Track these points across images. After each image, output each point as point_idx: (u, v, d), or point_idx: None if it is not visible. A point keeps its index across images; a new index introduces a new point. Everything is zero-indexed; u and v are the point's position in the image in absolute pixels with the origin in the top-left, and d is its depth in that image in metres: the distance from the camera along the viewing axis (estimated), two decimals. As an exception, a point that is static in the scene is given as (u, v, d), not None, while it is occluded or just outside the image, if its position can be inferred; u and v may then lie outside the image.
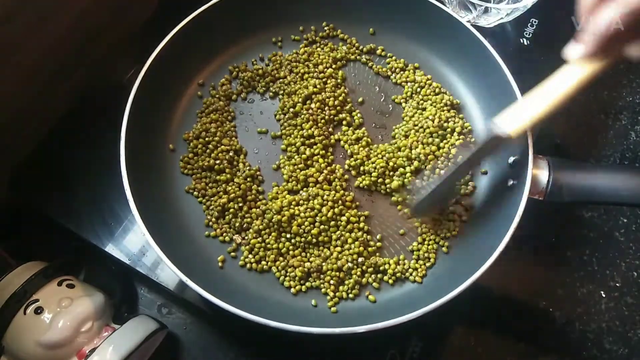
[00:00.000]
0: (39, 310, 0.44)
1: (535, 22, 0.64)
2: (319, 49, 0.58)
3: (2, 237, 0.53)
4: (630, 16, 0.34)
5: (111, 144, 0.46)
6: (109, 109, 0.50)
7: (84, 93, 0.57)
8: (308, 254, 0.48)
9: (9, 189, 0.54)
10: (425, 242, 0.49)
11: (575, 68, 0.39)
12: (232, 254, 0.48)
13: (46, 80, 0.52)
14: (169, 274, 0.50)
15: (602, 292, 0.55)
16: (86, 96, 0.57)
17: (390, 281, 0.48)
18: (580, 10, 0.37)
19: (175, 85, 0.55)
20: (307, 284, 0.47)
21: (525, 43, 0.63)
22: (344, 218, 0.49)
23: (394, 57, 0.58)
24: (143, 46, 0.52)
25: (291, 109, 0.54)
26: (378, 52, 0.59)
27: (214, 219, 0.49)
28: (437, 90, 0.56)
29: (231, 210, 0.49)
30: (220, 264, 0.48)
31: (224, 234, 0.49)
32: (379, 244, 0.49)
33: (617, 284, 0.56)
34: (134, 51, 0.59)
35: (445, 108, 0.55)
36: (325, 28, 0.60)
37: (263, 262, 0.48)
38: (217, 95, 0.55)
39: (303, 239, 0.48)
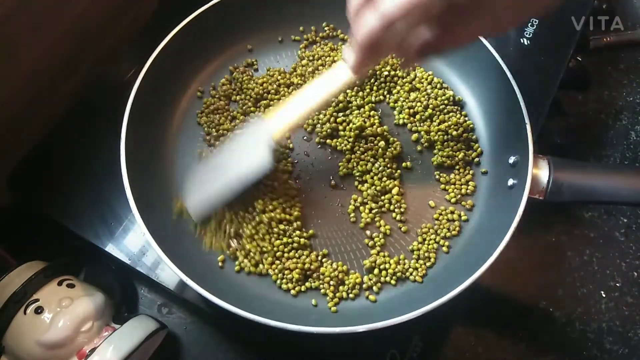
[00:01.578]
0: (39, 310, 0.44)
1: (535, 22, 0.64)
2: (319, 48, 0.58)
3: (2, 237, 0.53)
4: (388, 26, 0.31)
5: (111, 143, 0.46)
6: (109, 109, 0.50)
7: (84, 93, 0.57)
8: (304, 255, 0.48)
9: (9, 188, 0.54)
10: (426, 242, 0.49)
11: (345, 71, 0.40)
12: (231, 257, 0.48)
13: (46, 80, 0.52)
14: (169, 273, 0.50)
15: (602, 292, 0.55)
16: (86, 96, 0.57)
17: (392, 281, 0.48)
18: (348, 12, 0.35)
19: (175, 86, 0.55)
20: (307, 284, 0.47)
21: (526, 43, 0.63)
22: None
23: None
24: (143, 46, 0.52)
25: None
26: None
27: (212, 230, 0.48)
28: (438, 85, 0.56)
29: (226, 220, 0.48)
30: (220, 263, 0.48)
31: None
32: (380, 241, 0.49)
33: (618, 284, 0.56)
34: (134, 51, 0.59)
35: (446, 101, 0.55)
36: (326, 28, 0.60)
37: (260, 266, 0.48)
38: (217, 96, 0.55)
39: (296, 241, 0.48)
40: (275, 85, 0.55)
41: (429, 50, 0.35)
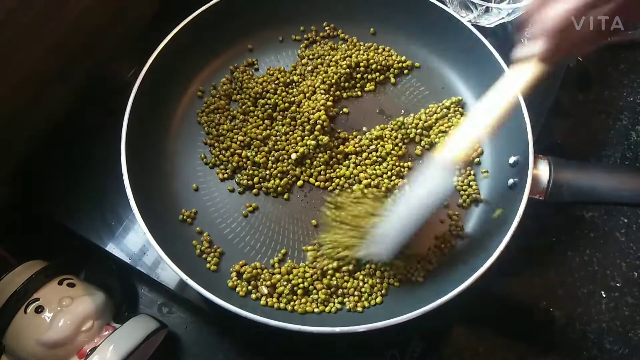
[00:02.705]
0: (39, 310, 0.44)
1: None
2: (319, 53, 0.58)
3: (2, 236, 0.53)
4: (580, 10, 0.33)
5: (112, 143, 0.46)
6: (110, 108, 0.50)
7: (85, 93, 0.57)
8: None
9: (10, 188, 0.54)
10: (430, 248, 0.49)
11: (522, 71, 0.39)
12: (253, 296, 0.47)
13: (47, 80, 0.52)
14: (170, 273, 0.50)
15: (602, 292, 0.55)
16: (87, 96, 0.57)
17: (396, 284, 0.48)
18: (530, 8, 0.36)
19: (175, 85, 0.55)
20: (310, 297, 0.47)
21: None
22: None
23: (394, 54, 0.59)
24: (144, 46, 0.52)
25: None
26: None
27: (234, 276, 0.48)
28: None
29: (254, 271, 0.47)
30: (214, 267, 0.48)
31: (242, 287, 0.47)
32: None
33: (618, 284, 0.56)
34: (135, 51, 0.59)
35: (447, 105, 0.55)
36: (326, 28, 0.60)
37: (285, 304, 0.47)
38: (217, 95, 0.55)
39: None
40: (274, 85, 0.55)
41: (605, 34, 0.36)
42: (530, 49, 0.39)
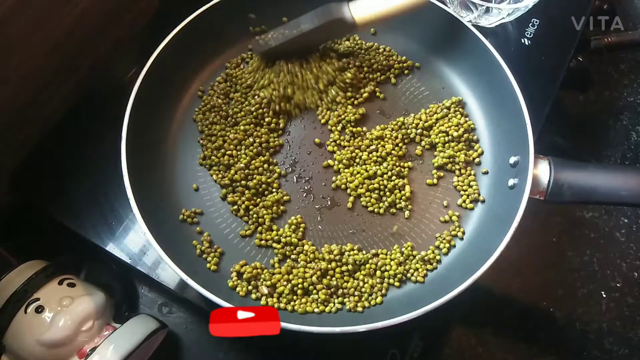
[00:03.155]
0: (39, 309, 0.44)
1: (536, 22, 0.64)
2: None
3: (3, 236, 0.53)
4: None
5: (112, 143, 0.46)
6: (110, 108, 0.50)
7: (85, 93, 0.57)
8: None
9: (10, 188, 0.54)
10: (430, 249, 0.49)
11: None
12: (253, 296, 0.47)
13: (47, 80, 0.52)
14: (170, 273, 0.50)
15: (602, 293, 0.55)
16: (87, 96, 0.57)
17: (397, 284, 0.48)
18: None
19: (176, 85, 0.55)
20: (310, 297, 0.47)
21: (527, 43, 0.63)
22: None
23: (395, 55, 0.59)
24: (144, 46, 0.52)
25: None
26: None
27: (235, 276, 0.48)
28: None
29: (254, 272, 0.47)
30: (215, 267, 0.48)
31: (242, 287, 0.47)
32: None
33: (618, 284, 0.56)
34: (135, 51, 0.59)
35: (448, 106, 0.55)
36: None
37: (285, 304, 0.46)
38: (215, 95, 0.55)
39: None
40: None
41: None
42: None
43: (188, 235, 0.49)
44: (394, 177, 0.52)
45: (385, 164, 0.52)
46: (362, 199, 0.51)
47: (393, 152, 0.53)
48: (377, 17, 0.45)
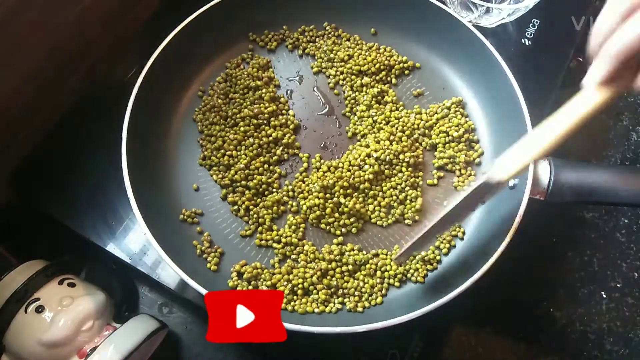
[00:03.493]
0: (39, 309, 0.44)
1: (536, 22, 0.64)
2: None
3: (3, 236, 0.53)
4: None
5: (112, 143, 0.46)
6: (110, 108, 0.50)
7: (85, 92, 0.57)
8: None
9: (11, 188, 0.54)
10: (430, 249, 0.49)
11: (588, 97, 0.35)
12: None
13: (47, 80, 0.52)
14: (170, 273, 0.50)
15: (602, 293, 0.55)
16: (87, 96, 0.57)
17: (397, 284, 0.48)
18: (597, 31, 0.32)
19: (176, 85, 0.55)
20: (310, 297, 0.47)
21: (527, 43, 0.63)
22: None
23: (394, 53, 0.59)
24: (144, 46, 0.52)
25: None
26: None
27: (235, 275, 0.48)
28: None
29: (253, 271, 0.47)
30: (215, 267, 0.48)
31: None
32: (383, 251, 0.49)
33: (618, 285, 0.56)
34: (136, 50, 0.59)
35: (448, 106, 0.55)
36: (327, 28, 0.60)
37: (285, 304, 0.47)
38: (214, 95, 0.55)
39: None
40: (261, 72, 0.55)
41: None
42: (591, 75, 0.34)
43: (188, 236, 0.49)
44: (407, 188, 0.51)
45: (400, 175, 0.51)
46: (372, 217, 0.51)
47: (409, 160, 0.52)
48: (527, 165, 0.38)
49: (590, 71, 0.34)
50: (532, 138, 0.37)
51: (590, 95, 0.35)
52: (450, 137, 0.54)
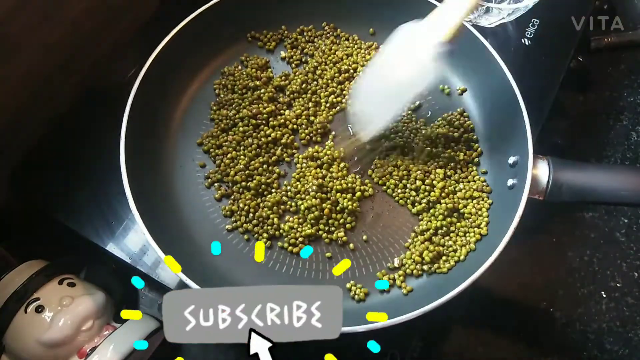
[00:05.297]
0: (39, 309, 0.44)
1: (536, 22, 0.64)
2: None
3: (3, 236, 0.53)
4: None
5: (112, 143, 0.46)
6: (110, 108, 0.50)
7: (85, 92, 0.57)
8: None
9: (10, 188, 0.54)
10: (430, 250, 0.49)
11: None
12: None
13: (47, 80, 0.53)
14: (170, 273, 0.50)
15: (602, 293, 0.55)
16: (86, 96, 0.57)
17: (398, 282, 0.48)
18: None
19: (175, 85, 0.55)
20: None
21: (527, 43, 0.63)
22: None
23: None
24: (144, 45, 0.52)
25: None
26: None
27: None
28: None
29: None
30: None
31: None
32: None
33: (618, 285, 0.56)
34: (135, 50, 0.59)
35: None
36: (326, 28, 0.60)
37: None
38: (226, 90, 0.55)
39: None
40: (259, 73, 0.55)
41: None
42: None
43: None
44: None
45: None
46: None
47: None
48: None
49: None
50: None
51: None
52: (449, 137, 0.54)
